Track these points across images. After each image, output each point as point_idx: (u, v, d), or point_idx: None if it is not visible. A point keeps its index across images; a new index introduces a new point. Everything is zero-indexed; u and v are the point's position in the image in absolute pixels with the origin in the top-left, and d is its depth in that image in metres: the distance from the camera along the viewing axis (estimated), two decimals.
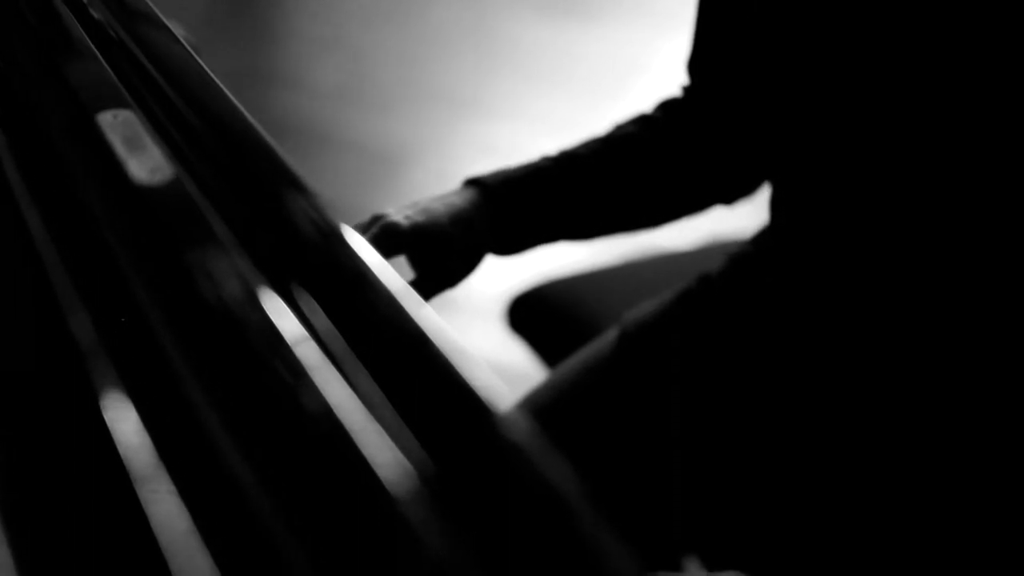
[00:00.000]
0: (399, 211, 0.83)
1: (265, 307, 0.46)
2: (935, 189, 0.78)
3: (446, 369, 0.44)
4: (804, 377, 0.88)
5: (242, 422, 0.41)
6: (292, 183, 0.57)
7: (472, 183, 0.88)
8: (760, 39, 0.86)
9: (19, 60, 0.69)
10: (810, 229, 0.88)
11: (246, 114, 0.62)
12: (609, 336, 0.99)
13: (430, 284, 0.83)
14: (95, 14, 0.77)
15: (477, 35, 4.01)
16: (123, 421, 0.42)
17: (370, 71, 3.63)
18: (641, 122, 0.95)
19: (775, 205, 0.91)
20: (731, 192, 0.98)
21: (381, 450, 0.40)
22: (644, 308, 0.98)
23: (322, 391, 0.42)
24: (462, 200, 0.86)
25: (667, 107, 0.96)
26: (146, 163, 0.56)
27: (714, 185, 0.97)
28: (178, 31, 0.74)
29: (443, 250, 0.82)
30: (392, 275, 0.50)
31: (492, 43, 3.94)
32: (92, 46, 0.69)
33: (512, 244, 0.89)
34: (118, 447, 0.41)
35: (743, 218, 1.11)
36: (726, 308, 0.94)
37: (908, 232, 0.81)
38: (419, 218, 0.82)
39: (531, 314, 1.29)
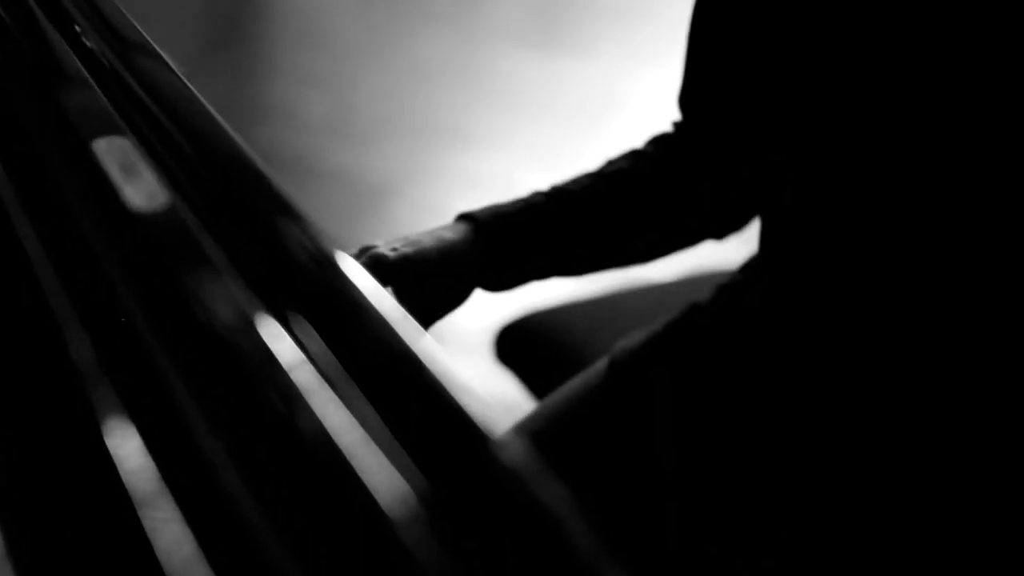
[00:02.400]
0: (387, 244, 0.83)
1: (261, 332, 0.47)
2: (927, 221, 0.79)
3: (441, 394, 0.45)
4: (794, 406, 0.88)
5: (241, 446, 0.41)
6: (286, 210, 0.57)
7: (464, 218, 0.88)
8: (751, 74, 0.87)
9: (13, 87, 0.69)
10: (799, 260, 0.89)
11: (240, 142, 0.63)
12: (599, 366, 0.99)
13: (416, 317, 0.84)
14: (88, 43, 0.77)
15: (462, 69, 4.03)
16: (124, 445, 0.42)
17: (357, 104, 3.64)
18: (633, 157, 0.95)
19: (765, 236, 0.92)
20: (722, 226, 0.98)
21: (378, 473, 0.40)
22: (634, 338, 0.99)
23: (319, 415, 0.42)
24: (453, 234, 0.86)
25: (659, 142, 0.97)
26: (141, 189, 0.56)
27: (705, 220, 0.98)
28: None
29: (430, 283, 0.82)
30: (387, 300, 0.50)
31: (477, 76, 3.97)
32: (86, 74, 0.70)
33: (502, 279, 0.89)
34: (120, 471, 0.41)
35: (727, 250, 1.11)
36: (716, 338, 0.94)
37: (900, 264, 0.81)
38: (407, 250, 0.82)
39: (519, 345, 1.29)
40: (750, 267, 0.96)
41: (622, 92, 3.76)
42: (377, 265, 0.80)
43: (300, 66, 4.02)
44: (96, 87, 0.69)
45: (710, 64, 0.91)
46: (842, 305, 0.86)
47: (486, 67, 4.06)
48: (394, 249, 0.82)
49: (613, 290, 1.36)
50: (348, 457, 0.41)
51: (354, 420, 0.42)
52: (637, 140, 0.99)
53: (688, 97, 0.94)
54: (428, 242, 0.84)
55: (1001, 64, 0.74)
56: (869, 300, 0.84)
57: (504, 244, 0.88)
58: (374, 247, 0.82)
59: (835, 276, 0.86)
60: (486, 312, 1.53)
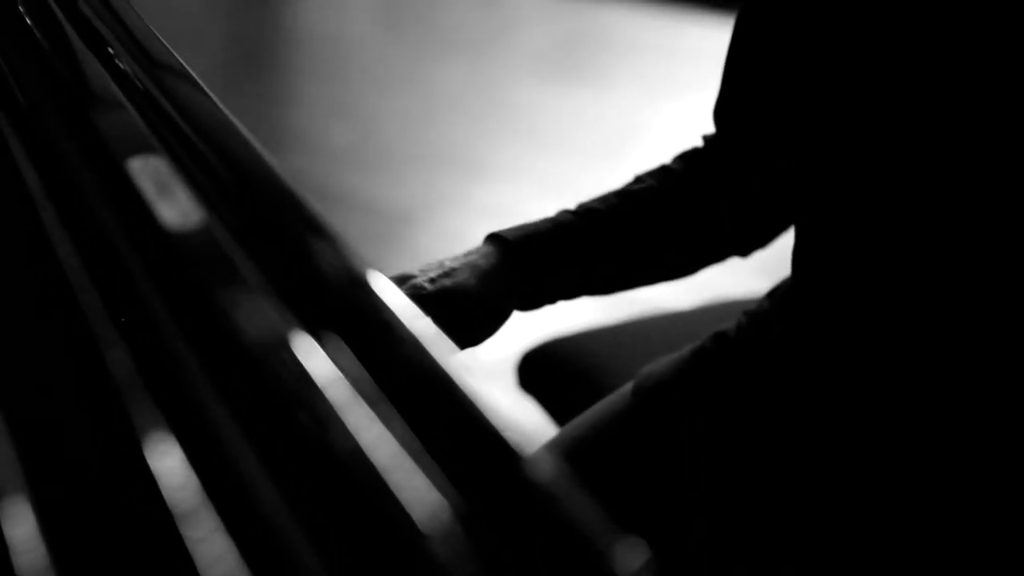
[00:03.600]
0: (423, 272, 0.84)
1: (295, 349, 0.47)
2: (962, 249, 0.78)
3: (474, 411, 0.45)
4: (820, 432, 0.88)
5: (277, 461, 0.42)
6: (318, 230, 0.58)
7: (493, 238, 0.88)
8: (790, 88, 0.86)
9: (50, 110, 0.70)
10: (833, 283, 0.88)
11: (273, 163, 0.63)
12: (623, 391, 0.99)
13: (455, 344, 0.84)
14: (122, 65, 0.78)
15: (483, 99, 4.06)
16: (164, 460, 0.42)
17: (379, 134, 3.67)
18: (660, 174, 0.95)
19: (798, 257, 0.91)
20: (748, 243, 0.98)
21: (412, 488, 0.41)
22: (659, 363, 0.98)
23: (353, 431, 0.43)
24: (484, 258, 0.86)
25: (686, 158, 0.97)
26: (176, 208, 0.57)
27: (731, 236, 0.98)
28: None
29: (468, 312, 0.83)
30: (419, 319, 0.51)
31: (498, 107, 3.99)
32: (121, 96, 0.71)
33: (536, 299, 0.89)
34: (160, 486, 0.41)
35: (747, 280, 1.12)
36: (742, 364, 0.94)
37: (932, 292, 0.81)
38: (444, 281, 0.83)
39: (541, 373, 1.29)
40: (776, 294, 0.96)
41: (640, 124, 3.78)
42: (416, 298, 0.80)
43: (324, 95, 4.05)
44: (131, 108, 0.70)
45: (749, 77, 0.91)
46: (870, 333, 0.85)
47: (506, 99, 4.09)
48: (432, 280, 0.82)
49: (633, 318, 1.36)
50: (382, 472, 0.41)
51: (389, 435, 0.42)
52: None
53: (724, 109, 0.94)
54: (463, 268, 0.84)
55: None
56: (898, 329, 0.83)
57: (535, 263, 0.88)
58: (411, 276, 0.83)
59: (864, 304, 0.85)
60: (507, 340, 1.53)
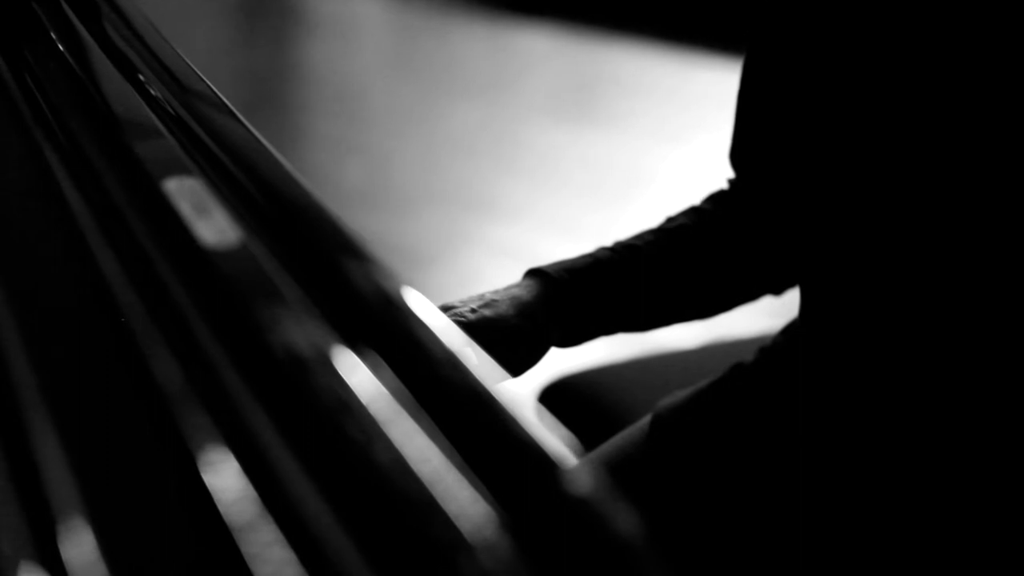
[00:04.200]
0: (465, 303, 0.85)
1: (337, 364, 0.47)
2: (975, 286, 0.78)
3: (513, 426, 0.45)
4: (836, 464, 0.88)
5: (324, 474, 0.42)
6: (353, 249, 0.58)
7: (534, 273, 0.89)
8: (802, 129, 0.87)
9: (88, 138, 0.71)
10: (843, 320, 0.88)
11: (307, 185, 0.64)
12: (642, 423, 0.99)
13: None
14: (153, 91, 0.79)
15: (495, 140, 4.08)
16: (217, 472, 0.43)
17: (392, 174, 3.69)
18: (693, 214, 0.96)
19: (807, 295, 0.91)
20: (780, 282, 0.99)
21: (457, 500, 0.41)
22: (677, 396, 0.99)
23: (397, 444, 0.43)
24: (526, 292, 0.87)
25: (716, 199, 0.98)
26: (213, 226, 0.57)
27: (763, 275, 0.98)
28: None
29: (509, 342, 0.83)
30: (455, 336, 0.51)
31: (509, 148, 4.02)
32: (156, 121, 0.72)
33: (575, 334, 0.90)
34: (214, 499, 0.41)
35: (766, 320, 1.12)
36: (759, 396, 0.94)
37: (944, 329, 0.81)
38: (486, 311, 0.84)
39: (559, 406, 1.29)
40: (791, 330, 0.96)
41: (649, 165, 3.81)
42: (458, 326, 0.81)
43: (336, 135, 4.08)
44: (165, 133, 0.70)
45: (760, 117, 0.92)
46: (884, 369, 0.85)
47: (518, 140, 4.11)
48: (473, 310, 0.83)
49: (646, 354, 1.37)
50: (428, 485, 0.41)
51: (433, 448, 0.43)
52: (662, 214, 1.00)
53: (739, 151, 0.95)
54: (504, 301, 0.85)
55: None
56: (911, 365, 0.83)
57: (575, 298, 0.88)
58: (453, 307, 0.84)
59: (878, 339, 0.85)
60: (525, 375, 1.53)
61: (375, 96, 4.66)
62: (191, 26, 5.33)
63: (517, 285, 0.88)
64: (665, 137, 4.21)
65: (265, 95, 4.52)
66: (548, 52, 5.47)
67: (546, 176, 3.73)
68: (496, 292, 0.87)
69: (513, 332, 0.83)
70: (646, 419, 1.00)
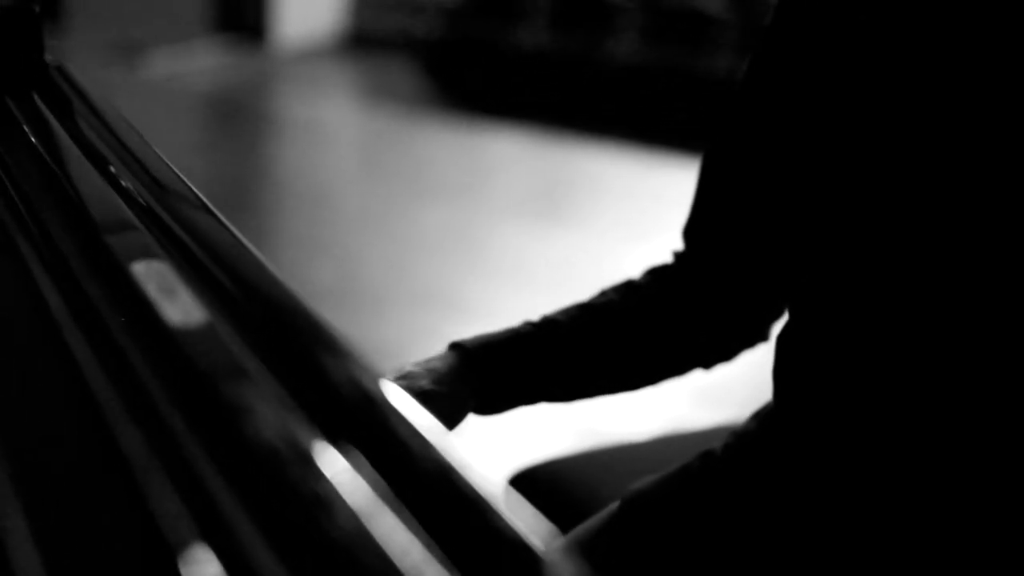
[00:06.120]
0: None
1: (314, 457, 0.48)
2: (948, 372, 0.79)
3: (494, 519, 0.46)
4: (806, 551, 0.88)
5: (298, 563, 0.42)
6: (327, 342, 0.59)
7: (455, 347, 0.91)
8: (762, 208, 0.91)
9: (60, 227, 0.73)
10: (814, 404, 0.89)
11: (279, 276, 0.65)
12: (611, 508, 1.00)
13: None
14: (124, 183, 0.81)
15: (463, 241, 4.12)
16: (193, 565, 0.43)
17: (360, 273, 3.71)
18: (624, 289, 0.99)
19: (779, 377, 0.93)
20: (712, 356, 1.01)
21: None
22: (645, 481, 0.99)
23: (377, 536, 0.43)
24: (442, 363, 0.90)
25: (655, 273, 1.00)
26: (179, 307, 0.58)
27: (696, 350, 1.01)
28: None
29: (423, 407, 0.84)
30: (433, 428, 0.51)
31: (477, 248, 4.06)
32: (128, 212, 0.73)
33: (492, 404, 0.92)
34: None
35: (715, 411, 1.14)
36: (728, 482, 0.95)
37: (917, 415, 0.81)
38: (400, 382, 0.85)
39: (527, 492, 1.29)
40: (761, 415, 0.97)
41: (613, 263, 3.87)
42: None
43: (306, 234, 4.11)
44: (137, 224, 0.72)
45: (719, 198, 0.96)
46: (855, 455, 0.86)
47: (485, 240, 4.16)
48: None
49: (613, 444, 1.38)
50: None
51: (415, 542, 0.43)
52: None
53: (695, 227, 0.98)
54: (419, 371, 0.88)
55: None
56: (884, 453, 0.84)
57: (491, 369, 0.91)
58: None
59: (850, 426, 0.86)
60: (493, 463, 1.53)
61: (345, 198, 4.71)
62: (165, 128, 5.38)
63: (437, 357, 0.91)
64: (627, 236, 4.29)
65: (237, 196, 4.56)
66: (515, 155, 5.56)
67: (512, 274, 3.76)
68: (416, 364, 0.89)
69: (419, 398, 0.85)
70: (615, 505, 1.00)
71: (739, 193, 0.94)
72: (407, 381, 0.86)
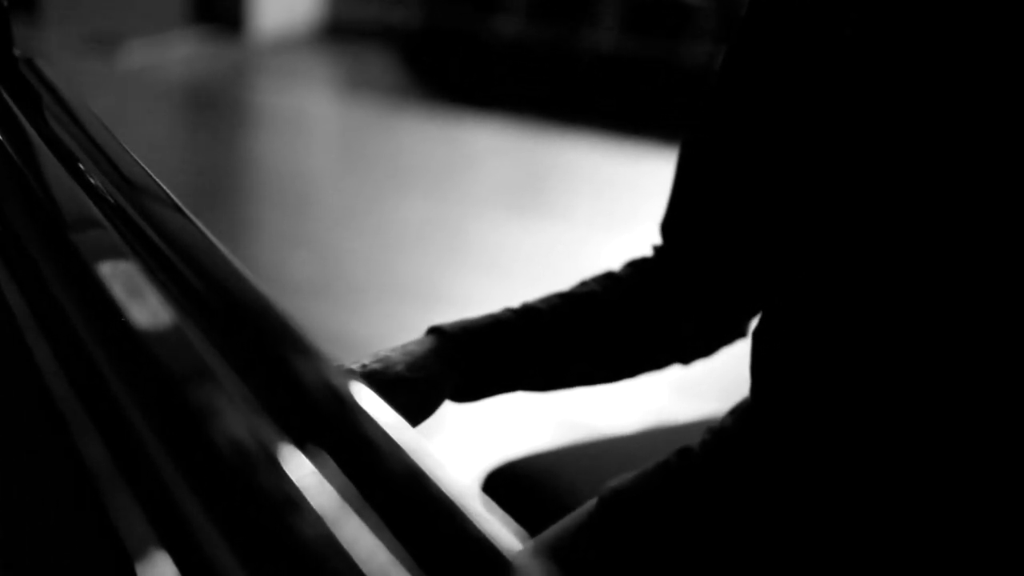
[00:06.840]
0: (356, 360, 0.85)
1: (281, 460, 0.47)
2: (924, 368, 0.79)
3: (464, 520, 0.45)
4: (784, 548, 0.88)
5: (262, 568, 0.41)
6: (295, 343, 0.59)
7: (433, 331, 0.90)
8: (739, 202, 0.90)
9: (25, 226, 0.71)
10: (791, 400, 0.89)
11: (246, 274, 0.64)
12: (588, 505, 0.99)
13: None
14: (93, 180, 0.80)
15: (443, 233, 4.11)
16: (149, 563, 0.42)
17: (340, 266, 3.69)
18: (605, 280, 0.98)
19: (756, 373, 0.93)
20: (690, 351, 1.00)
21: None
22: (624, 479, 0.99)
23: (342, 539, 0.42)
24: (419, 347, 0.88)
25: (635, 265, 1.00)
26: (146, 309, 0.57)
27: (674, 345, 1.00)
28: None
29: (391, 393, 0.83)
30: (403, 429, 0.51)
31: (457, 240, 4.05)
32: (96, 211, 0.72)
33: (470, 390, 0.91)
34: None
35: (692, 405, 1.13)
36: (706, 479, 0.95)
37: (894, 411, 0.81)
38: (375, 366, 0.84)
39: (503, 492, 1.29)
40: (738, 411, 0.97)
41: (593, 254, 3.87)
42: None
43: (286, 228, 4.09)
44: (104, 222, 0.71)
45: (696, 191, 0.95)
46: (833, 450, 0.86)
47: (466, 232, 4.15)
48: (364, 366, 0.83)
49: (593, 439, 1.37)
50: None
51: (381, 547, 0.42)
52: None
53: (672, 222, 0.98)
54: (396, 356, 0.86)
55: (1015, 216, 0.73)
56: (860, 449, 0.84)
57: (468, 355, 0.89)
58: (340, 365, 0.83)
59: (827, 421, 0.86)
60: (468, 461, 1.52)
61: (324, 189, 4.69)
62: (141, 120, 5.34)
63: (415, 341, 0.89)
64: (606, 225, 4.30)
65: (213, 188, 4.53)
66: (494, 145, 5.54)
67: (493, 266, 3.76)
68: (393, 349, 0.87)
69: (395, 383, 0.84)
70: (592, 502, 1.00)
71: (715, 188, 0.93)
72: (383, 365, 0.85)
